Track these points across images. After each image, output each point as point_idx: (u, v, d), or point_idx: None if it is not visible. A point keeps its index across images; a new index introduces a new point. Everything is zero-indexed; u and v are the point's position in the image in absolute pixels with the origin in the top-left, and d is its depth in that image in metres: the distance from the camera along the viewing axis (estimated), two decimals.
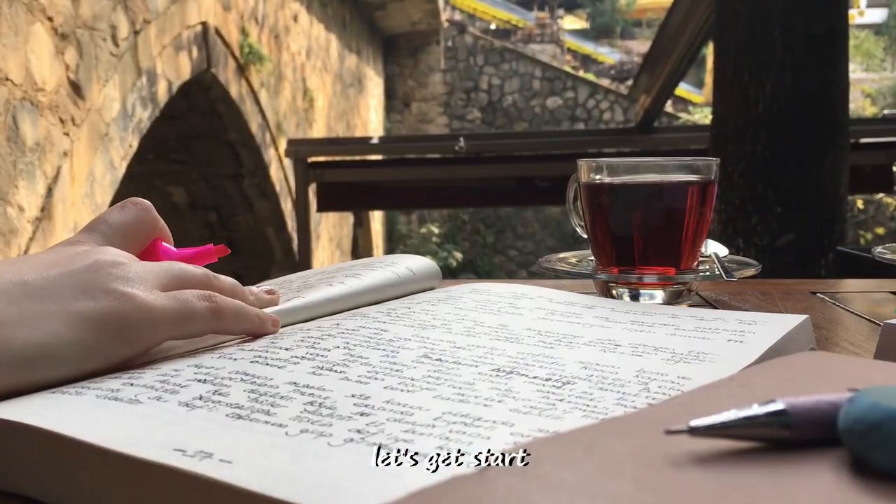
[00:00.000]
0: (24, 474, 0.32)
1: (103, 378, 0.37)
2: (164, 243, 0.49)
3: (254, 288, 0.50)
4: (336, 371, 0.38)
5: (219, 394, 0.35)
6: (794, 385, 0.30)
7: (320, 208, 5.04)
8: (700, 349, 0.43)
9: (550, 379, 0.38)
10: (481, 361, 0.40)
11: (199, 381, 0.36)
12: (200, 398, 0.34)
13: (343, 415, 0.33)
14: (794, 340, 0.47)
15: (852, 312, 0.65)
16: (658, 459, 0.23)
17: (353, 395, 0.35)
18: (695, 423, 0.23)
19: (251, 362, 0.39)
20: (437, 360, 0.40)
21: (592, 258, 0.68)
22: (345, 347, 0.41)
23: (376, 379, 0.37)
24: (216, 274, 0.46)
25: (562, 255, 0.73)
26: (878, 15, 18.65)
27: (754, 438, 0.24)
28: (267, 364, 0.38)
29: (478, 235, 11.84)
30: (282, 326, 0.47)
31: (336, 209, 6.39)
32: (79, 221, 3.06)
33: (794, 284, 0.78)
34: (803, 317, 0.49)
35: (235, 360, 0.39)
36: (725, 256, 0.69)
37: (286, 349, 0.41)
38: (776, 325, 0.47)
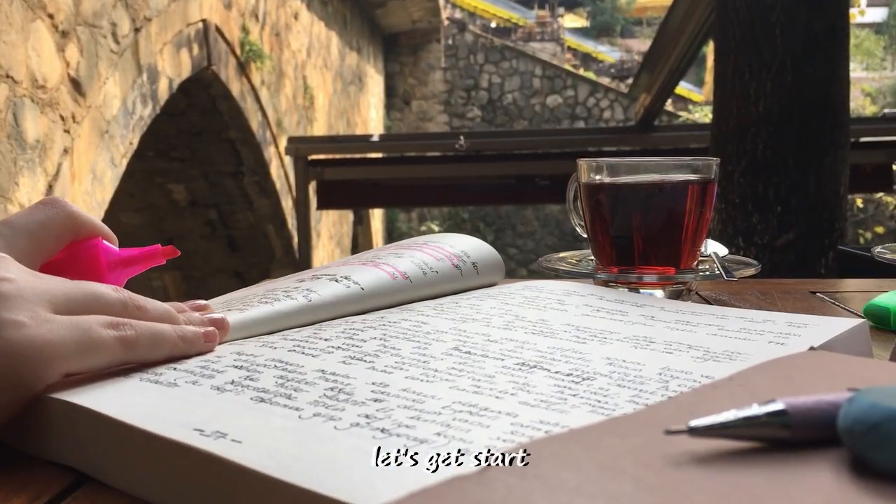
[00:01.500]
0: (71, 447, 0.34)
1: None
2: (105, 242, 0.44)
3: (194, 314, 0.42)
4: (366, 360, 0.39)
5: (249, 379, 0.36)
6: (794, 385, 0.30)
7: (320, 206, 5.04)
8: (736, 349, 0.42)
9: (571, 374, 0.38)
10: (508, 355, 0.41)
11: (236, 367, 0.37)
12: (232, 383, 0.36)
13: (357, 400, 0.33)
14: (843, 345, 0.44)
15: (852, 312, 0.65)
16: (658, 459, 0.23)
17: (372, 383, 0.36)
18: (695, 423, 0.23)
19: (289, 351, 0.40)
20: (466, 352, 0.41)
21: (592, 258, 0.68)
22: (381, 339, 0.42)
23: (401, 369, 0.38)
24: (144, 299, 0.39)
25: (562, 254, 0.73)
26: (878, 14, 18.64)
27: (754, 438, 0.24)
28: (303, 353, 0.40)
29: (478, 234, 11.80)
30: (335, 318, 0.47)
31: (336, 207, 6.39)
32: None
33: (794, 284, 0.78)
34: (858, 321, 0.45)
35: (275, 348, 0.40)
36: (725, 256, 0.68)
37: (325, 339, 0.42)
38: (825, 328, 0.45)
